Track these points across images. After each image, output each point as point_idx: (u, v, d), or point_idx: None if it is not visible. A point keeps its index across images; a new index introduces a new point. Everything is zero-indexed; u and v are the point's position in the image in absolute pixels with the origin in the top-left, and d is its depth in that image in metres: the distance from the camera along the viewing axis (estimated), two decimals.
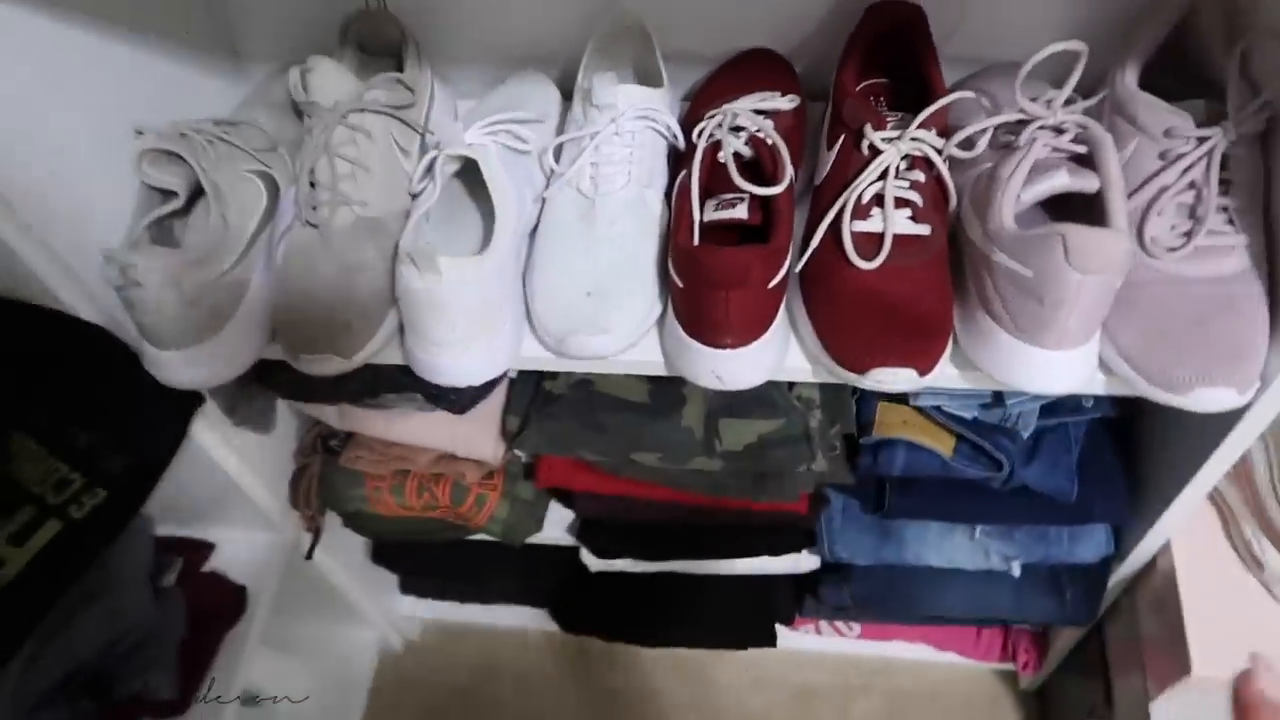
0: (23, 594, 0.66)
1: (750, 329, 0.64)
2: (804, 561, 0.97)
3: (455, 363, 0.68)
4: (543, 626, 1.34)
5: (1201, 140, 0.63)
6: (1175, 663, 0.83)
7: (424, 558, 1.20)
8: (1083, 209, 0.62)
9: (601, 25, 0.77)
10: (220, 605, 0.99)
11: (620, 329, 0.68)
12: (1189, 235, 0.64)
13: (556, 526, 1.04)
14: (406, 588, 1.33)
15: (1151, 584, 0.91)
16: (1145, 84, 0.67)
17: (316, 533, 1.05)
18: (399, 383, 0.88)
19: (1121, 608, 0.98)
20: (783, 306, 0.68)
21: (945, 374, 0.67)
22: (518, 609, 1.33)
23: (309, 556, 1.06)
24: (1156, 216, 0.64)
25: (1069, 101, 0.64)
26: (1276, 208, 0.64)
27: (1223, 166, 0.63)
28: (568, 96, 0.83)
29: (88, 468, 0.70)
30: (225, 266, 0.71)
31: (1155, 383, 0.63)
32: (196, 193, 0.75)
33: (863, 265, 0.64)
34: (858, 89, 0.75)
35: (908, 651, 1.25)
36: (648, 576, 1.18)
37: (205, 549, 1.03)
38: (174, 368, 0.70)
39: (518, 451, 0.97)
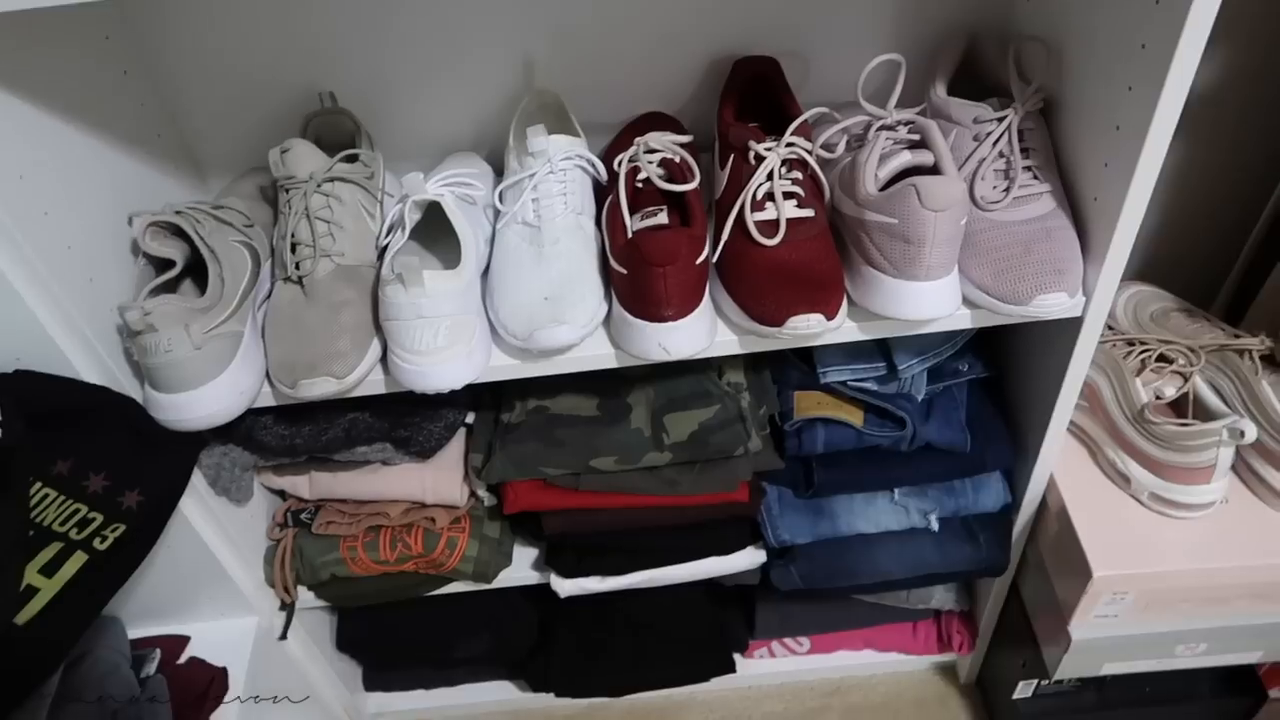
0: (56, 619, 0.71)
1: (686, 301, 0.78)
2: (752, 557, 1.08)
3: (439, 369, 0.79)
4: (509, 704, 1.37)
5: (1001, 120, 0.83)
6: (1079, 575, 0.96)
7: (392, 634, 1.24)
8: None
9: (524, 102, 0.94)
10: (205, 687, 1.01)
11: (578, 320, 0.81)
12: (1007, 191, 0.83)
13: (523, 566, 1.12)
14: (372, 683, 1.35)
15: (1047, 524, 1.05)
16: (951, 93, 0.88)
17: (290, 609, 1.09)
18: (372, 432, 0.97)
19: (1029, 562, 1.12)
20: (707, 291, 0.82)
21: (845, 326, 0.83)
22: (483, 689, 1.36)
23: (283, 636, 1.10)
24: (981, 181, 0.83)
25: (899, 106, 0.84)
26: (1065, 160, 0.84)
27: (1020, 139, 0.83)
28: (497, 172, 0.98)
29: (106, 507, 0.77)
30: (224, 316, 0.81)
31: (1007, 300, 0.80)
32: (188, 267, 0.85)
33: (767, 243, 0.80)
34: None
35: (856, 661, 1.34)
36: (607, 628, 1.26)
37: (181, 640, 1.05)
38: (183, 408, 0.79)
39: (481, 494, 1.06)
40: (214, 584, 1.02)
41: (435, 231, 0.87)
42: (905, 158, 0.81)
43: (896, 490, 1.04)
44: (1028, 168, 0.83)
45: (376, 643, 1.26)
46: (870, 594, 1.18)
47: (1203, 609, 0.99)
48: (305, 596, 1.10)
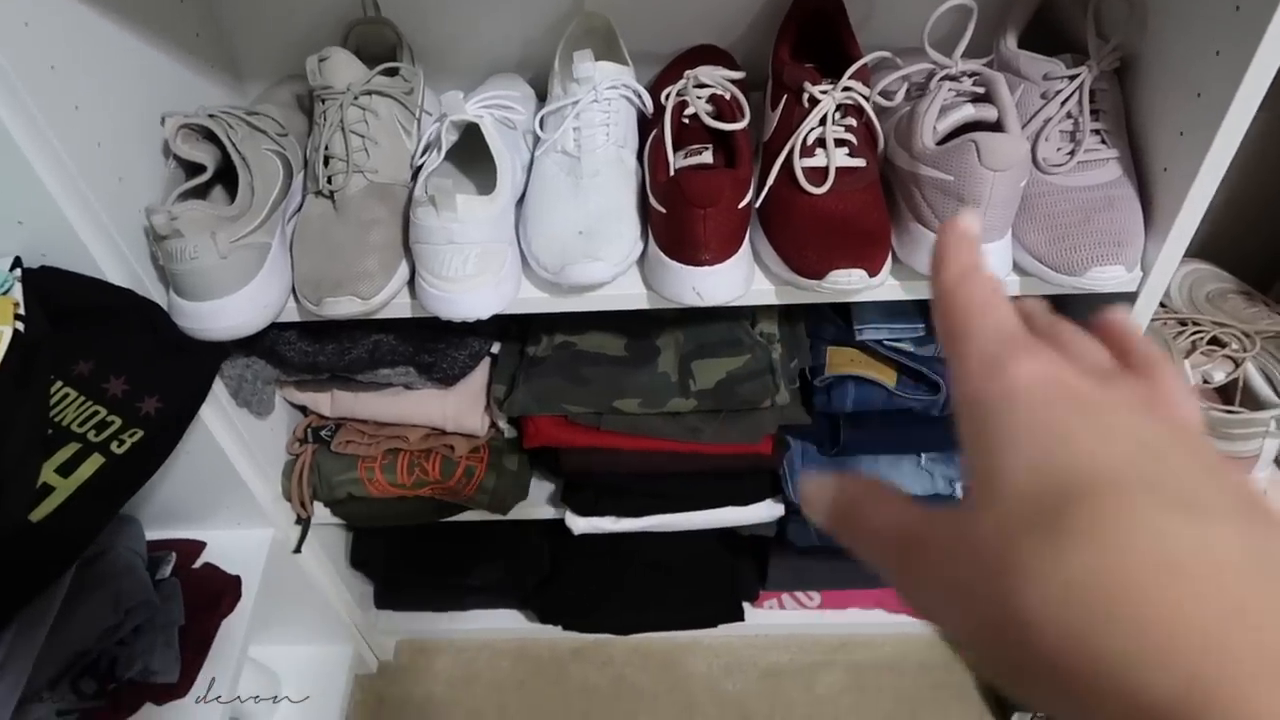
0: (69, 520, 0.71)
1: (725, 245, 0.75)
2: (770, 510, 1.06)
3: (468, 296, 0.78)
4: (516, 633, 1.38)
5: (1073, 78, 0.78)
6: None
7: (405, 555, 1.25)
8: None
9: (573, 25, 0.90)
10: (217, 592, 1.02)
11: (612, 258, 0.78)
12: (1072, 154, 0.78)
13: (539, 500, 1.11)
14: (382, 601, 1.36)
15: None
16: (1023, 46, 0.83)
17: (306, 524, 1.10)
18: (395, 355, 0.96)
19: None
20: (748, 237, 0.79)
21: (888, 284, 0.80)
22: (492, 615, 1.37)
23: (298, 549, 1.11)
24: (1045, 142, 0.79)
25: (966, 56, 0.79)
26: (1136, 126, 0.79)
27: (1091, 100, 0.79)
28: (539, 97, 0.95)
29: (125, 411, 0.76)
30: (252, 227, 0.79)
31: (1060, 270, 0.76)
32: (218, 173, 0.84)
33: (814, 191, 0.77)
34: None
35: (865, 619, 1.34)
36: (620, 565, 1.26)
37: (197, 545, 1.07)
38: (207, 318, 0.78)
39: (502, 425, 1.05)
40: (232, 493, 1.02)
41: (473, 154, 0.84)
42: (967, 111, 0.77)
43: (924, 455, 1.01)
44: (1096, 131, 0.78)
45: (389, 564, 1.27)
46: None
47: None
48: (321, 513, 1.11)
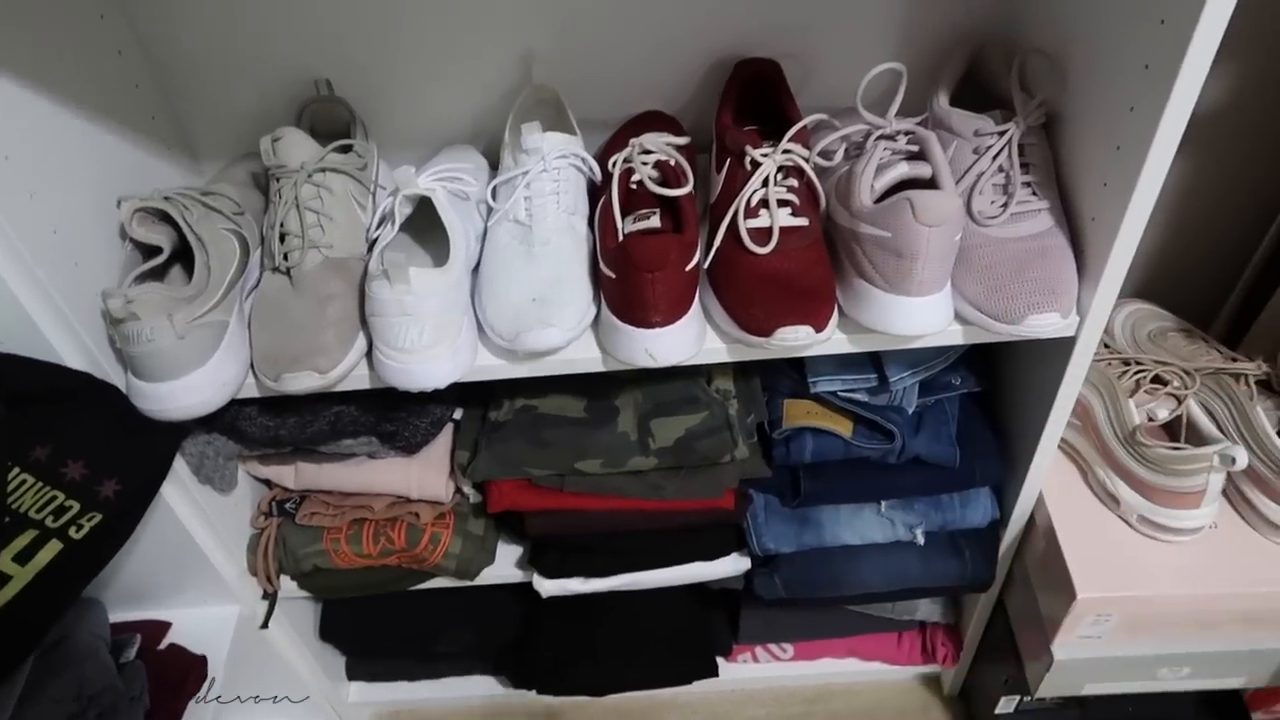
0: (28, 607, 0.70)
1: (674, 307, 0.77)
2: (737, 564, 1.07)
3: (424, 367, 0.79)
4: (491, 699, 1.37)
5: (1002, 134, 0.82)
6: (1064, 595, 0.95)
7: (375, 624, 1.24)
8: None
9: (522, 97, 0.93)
10: (183, 675, 1.01)
11: (565, 323, 0.80)
12: (1005, 206, 0.81)
13: (506, 564, 1.11)
14: (354, 672, 1.34)
15: (1034, 542, 1.04)
16: (955, 103, 0.87)
17: (273, 598, 1.09)
18: (357, 425, 0.97)
19: (1015, 578, 1.11)
20: (697, 297, 0.81)
21: (835, 338, 0.82)
22: (466, 683, 1.36)
23: (264, 625, 1.10)
24: (979, 195, 0.82)
25: (899, 116, 0.82)
26: (1064, 178, 0.83)
27: (1020, 154, 0.82)
28: (493, 166, 0.97)
29: (83, 495, 0.76)
30: (209, 306, 0.80)
31: (999, 319, 0.79)
32: (175, 254, 0.85)
33: (759, 250, 0.79)
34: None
35: (839, 669, 1.34)
36: (592, 626, 1.26)
37: (162, 626, 1.05)
38: (166, 398, 0.78)
39: (466, 491, 1.05)
40: (196, 571, 1.02)
41: (428, 225, 0.86)
42: (902, 169, 0.80)
43: (884, 502, 1.03)
44: (1027, 183, 0.82)
45: (359, 634, 1.26)
46: (855, 604, 1.17)
47: (1187, 633, 0.98)
48: (288, 586, 1.10)
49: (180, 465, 0.93)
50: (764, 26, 0.94)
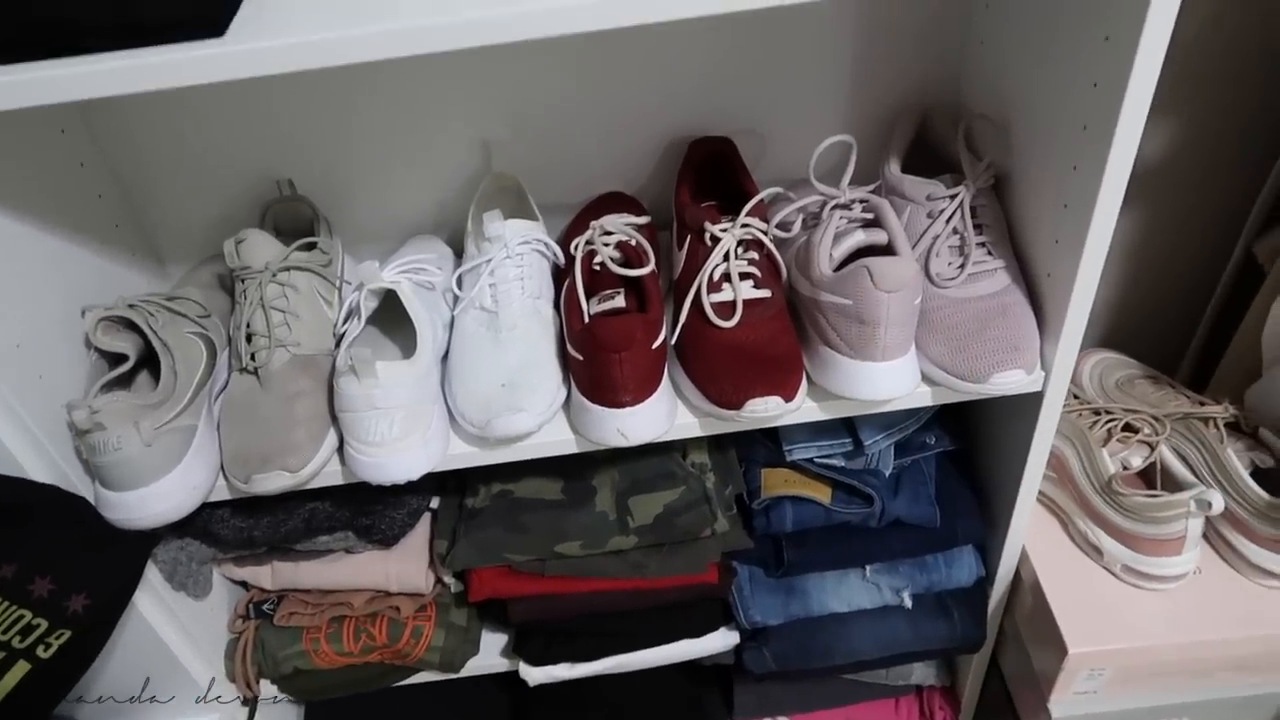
0: None
1: (643, 386, 0.78)
2: (725, 639, 1.05)
3: (396, 459, 0.78)
4: None
5: (953, 197, 0.83)
6: (1055, 651, 0.95)
7: None
8: None
9: (482, 186, 0.94)
10: None
11: (535, 408, 0.80)
12: (962, 268, 0.83)
13: (491, 653, 1.09)
14: None
15: (1022, 598, 1.04)
16: (907, 168, 0.89)
17: (253, 704, 1.06)
18: (332, 521, 0.96)
19: (1008, 635, 1.10)
20: (666, 374, 0.82)
21: (805, 407, 0.82)
22: None
23: None
24: (936, 258, 0.84)
25: (853, 184, 0.84)
26: (1018, 236, 0.84)
27: (973, 215, 0.84)
28: (458, 254, 0.98)
29: (51, 612, 0.74)
30: (176, 411, 0.79)
31: (965, 378, 0.79)
32: (141, 360, 0.84)
33: (723, 324, 0.80)
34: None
35: None
36: (582, 711, 1.23)
37: None
38: (134, 507, 0.77)
39: (447, 580, 1.03)
40: (173, 681, 0.99)
41: (395, 317, 0.86)
42: (859, 237, 0.81)
43: (868, 567, 1.02)
44: (981, 244, 0.83)
45: None
46: (848, 672, 1.15)
47: (1182, 682, 0.97)
48: (268, 690, 1.07)
49: (153, 573, 0.91)
50: (715, 106, 0.96)
